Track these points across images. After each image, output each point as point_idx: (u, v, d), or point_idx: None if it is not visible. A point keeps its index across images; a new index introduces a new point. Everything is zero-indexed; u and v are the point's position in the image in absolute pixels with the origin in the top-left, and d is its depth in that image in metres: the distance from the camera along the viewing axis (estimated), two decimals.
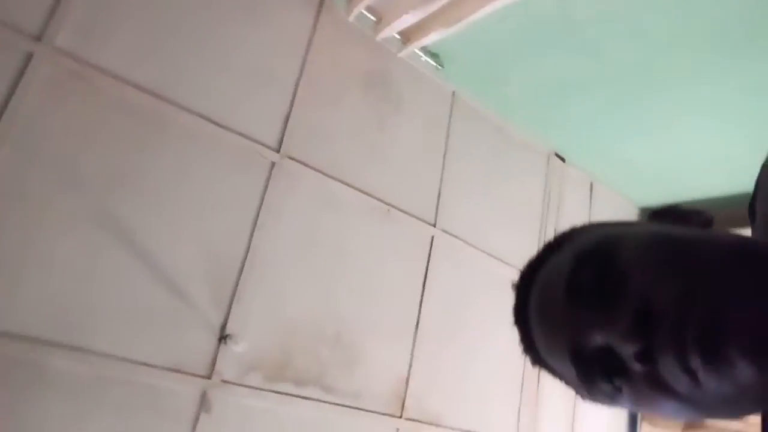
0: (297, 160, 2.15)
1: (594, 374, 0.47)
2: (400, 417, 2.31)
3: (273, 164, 2.09)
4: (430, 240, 2.53)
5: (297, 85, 2.19)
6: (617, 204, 3.53)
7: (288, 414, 2.03)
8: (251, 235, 2.01)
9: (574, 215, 3.23)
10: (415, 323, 2.44)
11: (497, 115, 2.88)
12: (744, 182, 2.87)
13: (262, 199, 2.06)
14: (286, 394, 2.03)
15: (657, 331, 0.42)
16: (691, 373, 0.40)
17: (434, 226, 2.55)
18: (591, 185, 3.40)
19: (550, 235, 3.12)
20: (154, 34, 1.89)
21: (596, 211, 3.36)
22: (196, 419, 1.83)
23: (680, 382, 0.41)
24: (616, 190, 3.49)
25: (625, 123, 2.72)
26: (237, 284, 1.96)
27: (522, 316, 0.56)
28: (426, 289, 2.49)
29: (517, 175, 3.00)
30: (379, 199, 2.37)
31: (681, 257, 0.45)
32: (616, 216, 3.48)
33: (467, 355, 2.58)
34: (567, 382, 0.55)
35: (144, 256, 1.79)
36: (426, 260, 2.52)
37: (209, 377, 1.87)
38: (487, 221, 2.78)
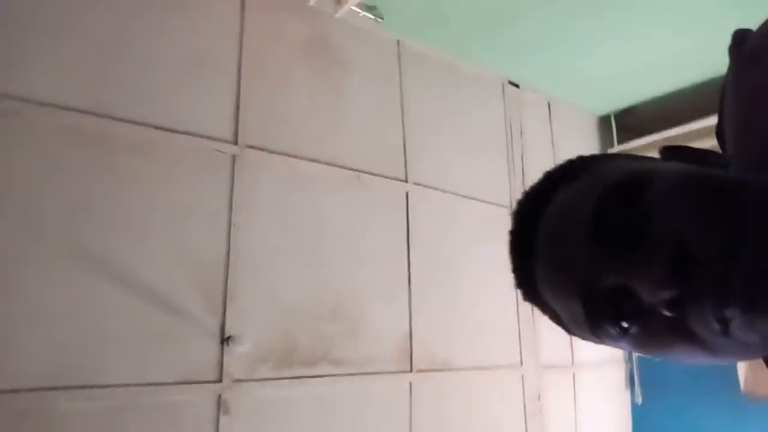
0: (257, 148, 2.09)
1: (604, 316, 0.45)
2: (411, 371, 2.38)
3: (234, 157, 2.03)
4: (404, 196, 2.53)
5: (239, 71, 2.10)
6: (576, 118, 3.57)
7: (304, 395, 2.07)
8: (229, 233, 1.98)
9: (536, 138, 3.26)
10: (407, 279, 2.47)
11: (446, 54, 2.84)
12: (698, 74, 2.95)
13: (231, 194, 2.01)
14: (298, 377, 2.06)
15: (696, 278, 0.39)
16: (724, 323, 0.38)
17: (406, 181, 2.55)
18: (548, 105, 3.41)
19: (518, 164, 3.17)
20: (78, 53, 1.77)
21: (557, 129, 3.40)
22: (217, 423, 1.85)
23: (708, 330, 0.39)
24: (573, 104, 3.51)
25: (572, 38, 2.71)
26: (226, 285, 1.94)
27: (524, 248, 0.53)
28: (411, 244, 2.51)
29: (476, 111, 2.98)
30: (347, 168, 2.35)
31: (723, 200, 0.42)
32: (577, 130, 3.54)
33: (462, 298, 2.64)
34: (562, 320, 0.53)
35: (128, 281, 1.75)
36: (405, 216, 2.52)
37: (220, 380, 1.88)
38: (456, 163, 2.78)
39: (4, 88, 1.61)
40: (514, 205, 0.56)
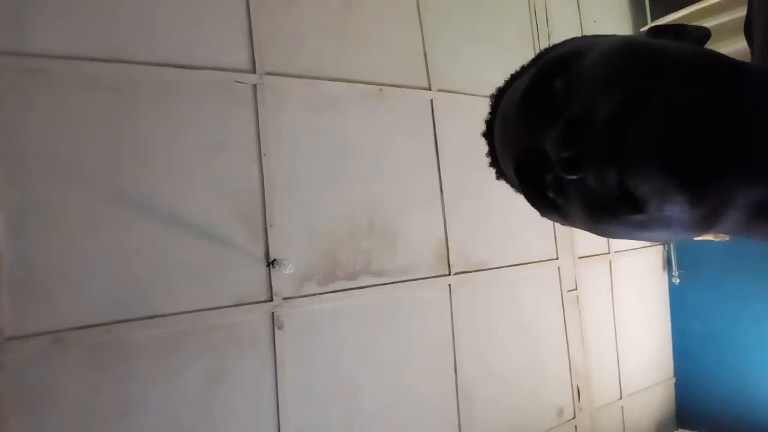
0: (276, 74, 2.08)
1: (530, 186, 0.47)
2: (449, 274, 2.48)
3: (255, 86, 2.03)
4: (429, 104, 2.50)
5: None
6: None
7: (351, 306, 2.21)
8: (260, 163, 2.03)
9: (564, 24, 3.10)
10: (439, 186, 2.51)
11: None
12: None
13: (257, 123, 2.04)
14: (343, 290, 2.19)
15: (589, 136, 0.39)
16: (611, 185, 0.39)
17: (429, 89, 2.50)
18: None
19: None
20: (88, 3, 1.75)
21: (586, 12, 3.22)
22: (273, 338, 2.01)
23: (608, 192, 0.39)
24: None
25: None
26: (265, 213, 2.02)
27: (490, 130, 0.56)
28: (439, 151, 2.52)
29: (497, 2, 2.84)
30: (368, 83, 2.32)
31: (639, 65, 0.40)
32: (607, 8, 3.34)
33: (495, 199, 2.66)
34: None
35: (171, 219, 1.85)
36: (431, 124, 2.51)
37: (271, 299, 2.02)
38: (480, 62, 2.70)
39: (22, 47, 1.64)
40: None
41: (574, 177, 0.41)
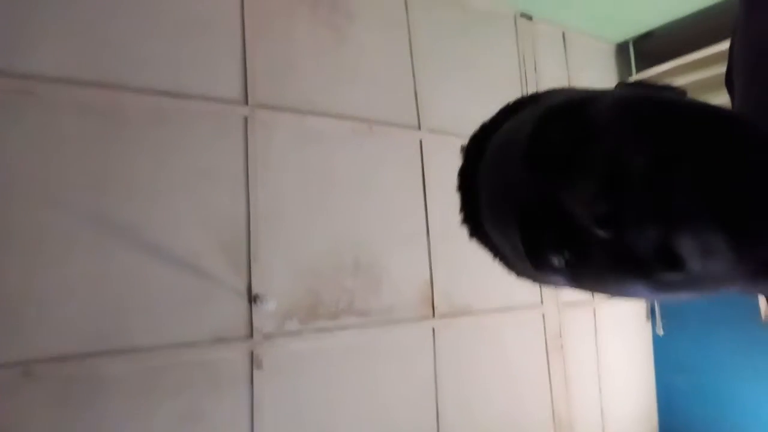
0: (268, 107, 2.08)
1: (543, 243, 0.43)
2: (433, 317, 2.44)
3: (246, 118, 2.02)
4: (419, 144, 2.51)
5: (243, 28, 2.05)
6: (593, 47, 3.44)
7: (332, 346, 2.14)
8: (247, 194, 2.00)
9: (552, 72, 3.16)
10: (425, 227, 2.49)
11: None
12: None
13: (246, 155, 2.01)
14: (325, 329, 2.13)
15: (630, 192, 0.37)
16: (651, 242, 0.37)
17: (419, 129, 2.51)
18: (563, 36, 3.29)
19: None
20: (81, 24, 1.74)
21: (573, 61, 3.29)
22: (251, 377, 1.94)
23: (647, 249, 0.38)
24: (589, 33, 3.38)
25: None
26: (249, 246, 1.98)
27: (468, 181, 0.52)
28: (427, 192, 2.51)
29: (488, 47, 2.90)
30: (359, 119, 2.32)
31: (664, 118, 0.40)
32: (594, 60, 3.43)
33: None
34: (504, 255, 0.52)
35: (153, 248, 1.80)
36: (420, 164, 2.51)
37: (251, 337, 1.95)
38: (470, 106, 2.72)
39: (14, 68, 1.61)
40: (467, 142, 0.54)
41: (611, 234, 0.38)
